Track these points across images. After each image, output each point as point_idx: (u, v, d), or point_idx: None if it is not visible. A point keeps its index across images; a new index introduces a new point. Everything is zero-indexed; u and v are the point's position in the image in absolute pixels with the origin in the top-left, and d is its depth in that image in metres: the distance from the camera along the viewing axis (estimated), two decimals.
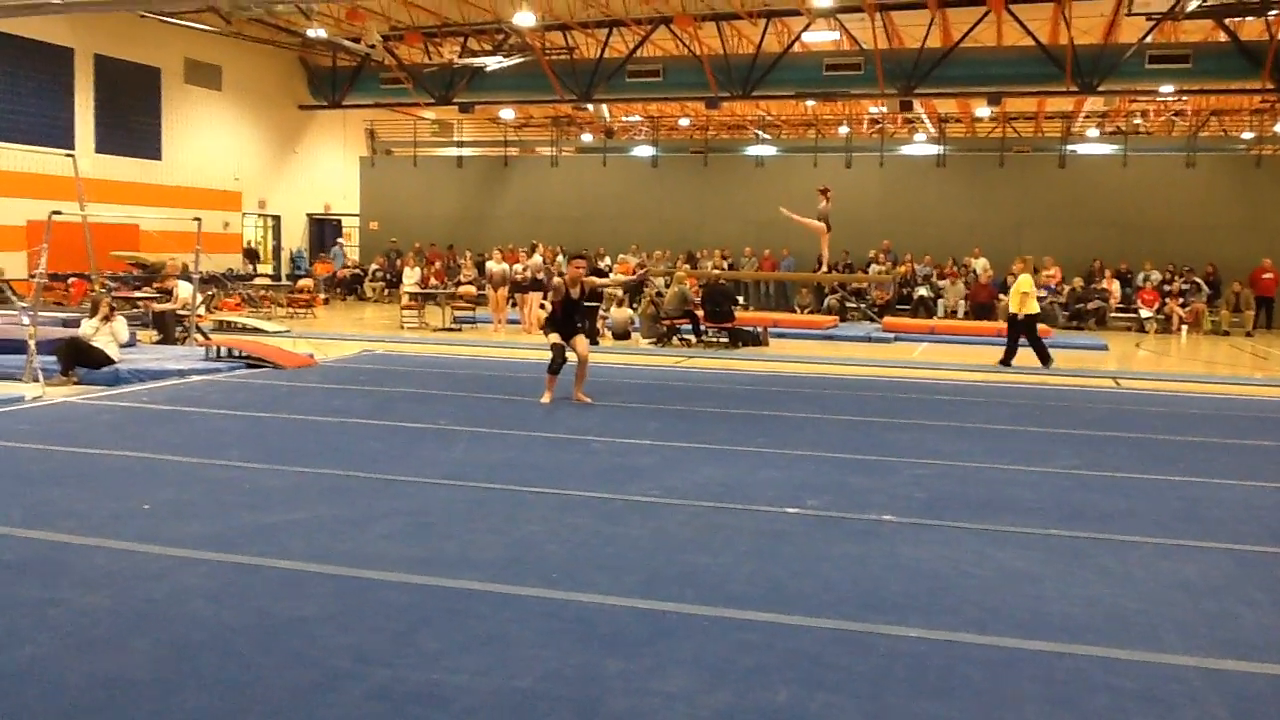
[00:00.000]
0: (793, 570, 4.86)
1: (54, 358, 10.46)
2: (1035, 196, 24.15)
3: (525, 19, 21.51)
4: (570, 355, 9.94)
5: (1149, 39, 21.28)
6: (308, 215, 30.66)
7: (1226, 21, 20.48)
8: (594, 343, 15.70)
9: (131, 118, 24.15)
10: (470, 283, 20.72)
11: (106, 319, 10.88)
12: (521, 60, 24.63)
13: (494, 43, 25.18)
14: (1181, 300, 21.52)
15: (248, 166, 27.85)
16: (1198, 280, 21.85)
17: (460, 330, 18.52)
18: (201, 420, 8.58)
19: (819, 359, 14.98)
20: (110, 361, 10.66)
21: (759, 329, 17.47)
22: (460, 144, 31.56)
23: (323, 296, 24.12)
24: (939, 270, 23.47)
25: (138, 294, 17.16)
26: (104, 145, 23.28)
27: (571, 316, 10.19)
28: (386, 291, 26.10)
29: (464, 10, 23.86)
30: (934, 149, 26.55)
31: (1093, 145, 27.66)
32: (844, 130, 31.41)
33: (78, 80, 22.68)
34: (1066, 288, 22.34)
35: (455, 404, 9.79)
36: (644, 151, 28.64)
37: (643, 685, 3.53)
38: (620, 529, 5.51)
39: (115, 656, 3.67)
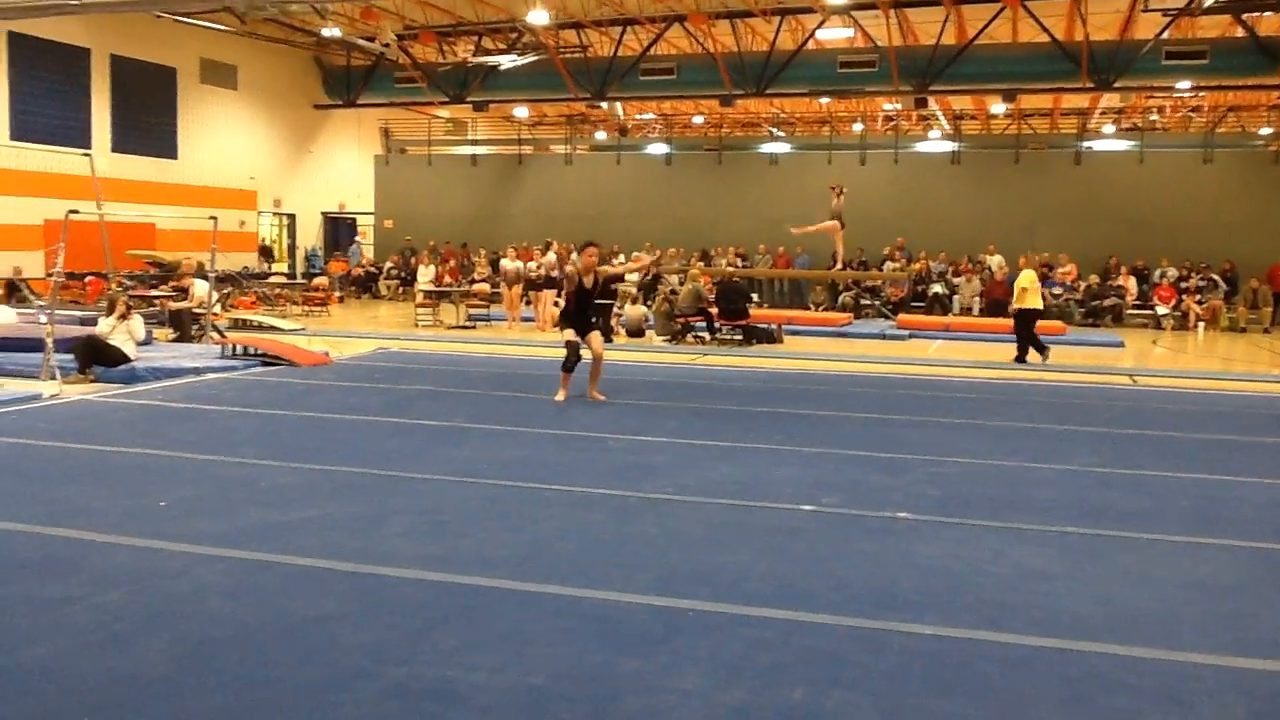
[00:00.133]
0: (808, 568, 4.85)
1: (71, 356, 10.52)
2: (1051, 193, 24.03)
3: (539, 17, 21.51)
4: (585, 353, 9.93)
5: (1165, 35, 21.15)
6: (323, 214, 30.76)
7: (1244, 17, 20.35)
8: (608, 340, 15.71)
9: (147, 117, 24.28)
10: (484, 280, 20.75)
11: (123, 317, 10.93)
12: (535, 59, 24.65)
13: (508, 41, 25.21)
14: (1198, 297, 21.39)
15: (263, 165, 27.95)
16: (1214, 277, 21.70)
17: (475, 328, 18.55)
18: (217, 418, 8.61)
19: (833, 356, 14.95)
20: (127, 360, 10.71)
21: (773, 326, 17.44)
22: (474, 142, 31.61)
23: (338, 295, 24.19)
24: (954, 267, 23.38)
25: (154, 292, 17.23)
26: (120, 145, 23.41)
27: (586, 309, 10.07)
28: (401, 289, 26.16)
29: (478, 9, 23.89)
30: (949, 146, 26.44)
31: (1108, 142, 27.51)
32: (858, 127, 31.36)
33: (94, 80, 22.81)
34: (1082, 285, 22.23)
35: (470, 402, 9.80)
36: (658, 149, 28.62)
37: (658, 683, 3.53)
38: (635, 527, 5.51)
39: (133, 654, 3.69)
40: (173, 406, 9.11)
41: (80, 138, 21.92)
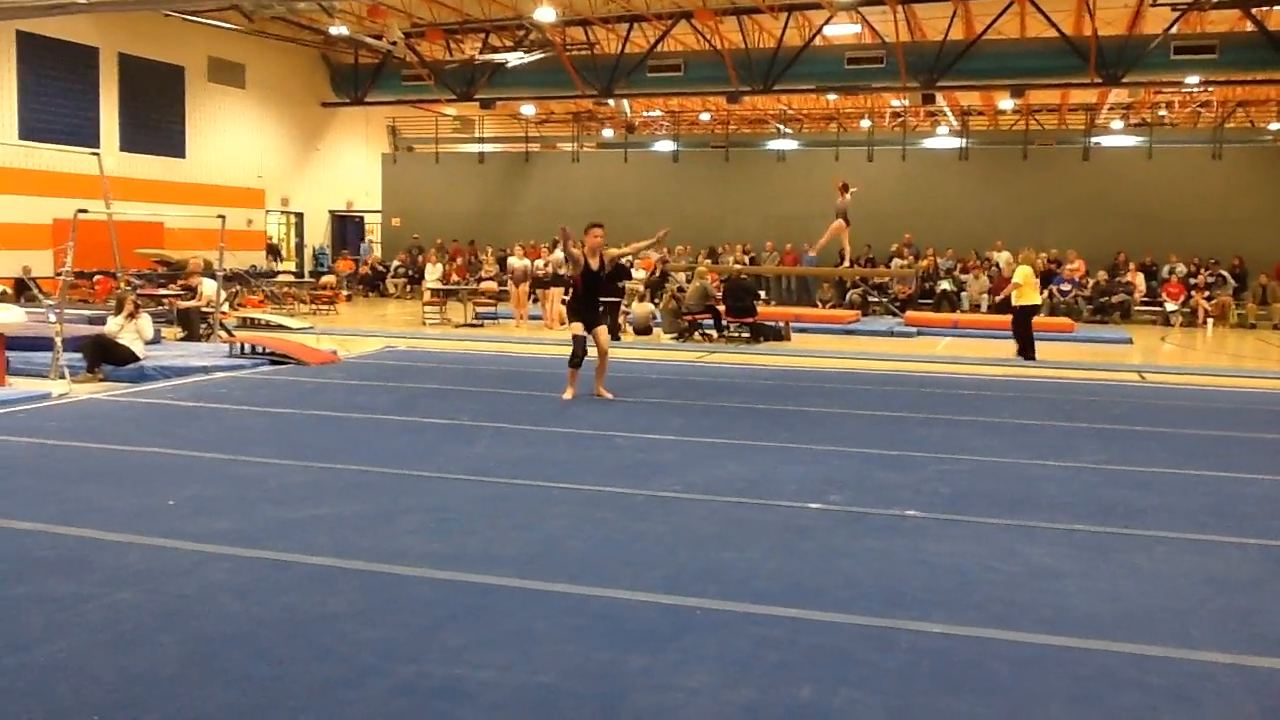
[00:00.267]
0: (816, 566, 4.85)
1: (80, 355, 10.56)
2: (1059, 189, 23.97)
3: (546, 14, 21.51)
4: (591, 350, 9.86)
5: (1174, 29, 21.08)
6: (330, 212, 30.80)
7: (1253, 11, 20.27)
8: (615, 338, 15.71)
9: (156, 116, 24.32)
10: (492, 278, 20.78)
11: (131, 316, 10.96)
12: (542, 56, 24.65)
13: (515, 39, 25.21)
14: (1207, 293, 21.32)
15: (271, 164, 27.99)
16: (1223, 273, 21.64)
17: (482, 326, 18.57)
18: (226, 416, 8.63)
19: (841, 354, 14.93)
20: (135, 358, 10.75)
21: (781, 324, 17.43)
22: (481, 140, 31.63)
23: (345, 293, 24.23)
24: (962, 264, 23.33)
25: (162, 291, 17.29)
26: (129, 144, 23.46)
27: (595, 296, 9.89)
28: (409, 288, 26.19)
29: (485, 6, 23.90)
30: (956, 142, 26.40)
31: (1117, 137, 27.47)
32: (866, 124, 31.27)
33: (103, 79, 22.86)
34: (1090, 281, 22.18)
35: (477, 400, 9.81)
36: (665, 146, 28.64)
37: (666, 681, 3.53)
38: (643, 525, 5.51)
39: (145, 652, 3.70)
40: (181, 405, 9.13)
41: (89, 137, 21.96)
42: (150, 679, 3.48)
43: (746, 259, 23.78)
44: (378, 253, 29.22)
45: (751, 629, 4.02)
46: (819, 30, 23.31)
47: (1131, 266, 22.36)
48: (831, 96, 29.92)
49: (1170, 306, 21.31)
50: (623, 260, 14.06)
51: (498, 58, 24.81)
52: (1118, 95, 29.66)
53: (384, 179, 29.76)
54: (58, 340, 10.24)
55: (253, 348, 12.40)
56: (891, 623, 4.11)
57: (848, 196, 16.21)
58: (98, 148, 20.48)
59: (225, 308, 15.42)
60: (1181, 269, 22.09)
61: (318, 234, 30.48)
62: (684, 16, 23.45)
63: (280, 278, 24.34)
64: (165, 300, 16.31)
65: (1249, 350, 17.01)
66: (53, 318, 10.87)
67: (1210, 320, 20.97)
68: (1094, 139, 25.80)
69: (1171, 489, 6.66)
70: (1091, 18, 20.99)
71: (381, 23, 22.92)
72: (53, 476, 6.34)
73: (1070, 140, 26.37)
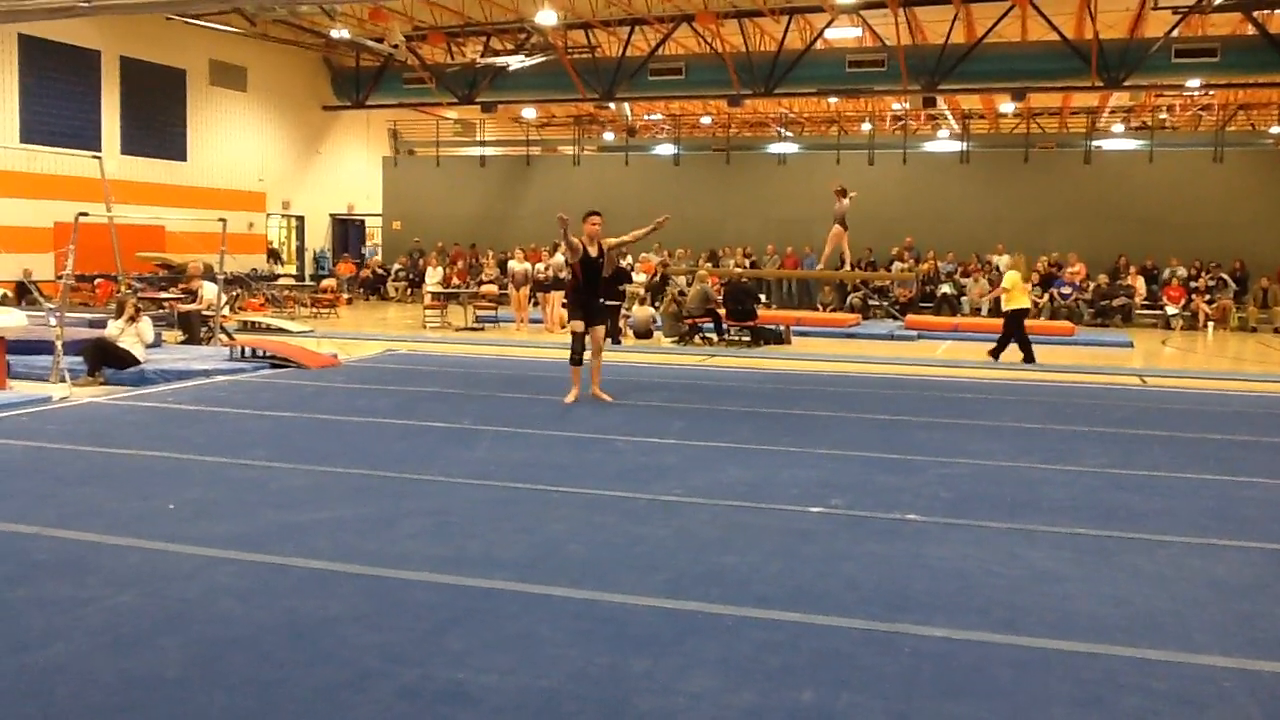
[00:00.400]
0: (818, 570, 4.85)
1: (80, 358, 10.56)
2: (1060, 193, 23.97)
3: (547, 18, 21.54)
4: (585, 355, 9.76)
5: (1175, 33, 21.09)
6: (331, 215, 30.83)
7: (1255, 14, 20.29)
8: (616, 341, 15.71)
9: (157, 119, 24.36)
10: (492, 282, 20.78)
11: (132, 320, 10.96)
12: (543, 59, 24.69)
13: (516, 42, 25.25)
14: (1208, 296, 21.32)
15: (272, 167, 28.02)
16: (1224, 276, 21.63)
17: (483, 329, 18.57)
18: (227, 420, 8.63)
19: (842, 357, 14.93)
20: (136, 362, 10.75)
21: (781, 327, 17.42)
22: (483, 143, 31.67)
23: (346, 296, 24.24)
24: (963, 267, 23.33)
25: (163, 295, 17.28)
26: (130, 147, 23.49)
27: (594, 285, 9.75)
28: (409, 291, 26.20)
29: (486, 10, 23.93)
30: (958, 145, 26.42)
31: (1118, 141, 27.47)
32: (867, 127, 31.31)
33: (104, 82, 22.90)
34: (1091, 284, 22.17)
35: (478, 403, 9.81)
36: (666, 150, 28.63)
37: (668, 685, 3.53)
38: (645, 528, 5.51)
39: (146, 655, 3.69)
40: (182, 409, 9.13)
41: (90, 140, 22.00)
42: (151, 682, 3.47)
43: (747, 262, 23.78)
44: (379, 256, 29.25)
45: (753, 633, 4.01)
46: (820, 33, 23.34)
47: (1132, 270, 22.36)
48: (832, 100, 30.01)
49: (1171, 310, 21.31)
50: (622, 263, 14.06)
51: (499, 61, 24.84)
52: (1119, 98, 29.69)
53: (385, 182, 29.78)
54: (58, 344, 10.24)
55: (253, 351, 12.40)
56: (893, 626, 4.10)
57: (846, 201, 16.21)
58: (99, 151, 20.52)
59: (226, 311, 15.41)
60: (1182, 272, 22.09)
61: (318, 237, 30.50)
62: (685, 20, 23.48)
63: (281, 281, 24.39)
64: (166, 303, 16.31)
65: (1250, 354, 17.01)
66: (53, 321, 10.88)
67: (1211, 324, 20.97)
68: (1095, 142, 25.80)
69: (1173, 492, 6.65)
70: (1093, 21, 21.01)
71: (383, 26, 22.97)
72: (53, 480, 6.34)
73: (1071, 143, 26.37)
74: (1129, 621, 4.24)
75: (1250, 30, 20.94)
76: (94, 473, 6.58)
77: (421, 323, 19.19)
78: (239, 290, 20.14)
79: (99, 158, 17.94)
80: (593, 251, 9.70)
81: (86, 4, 13.72)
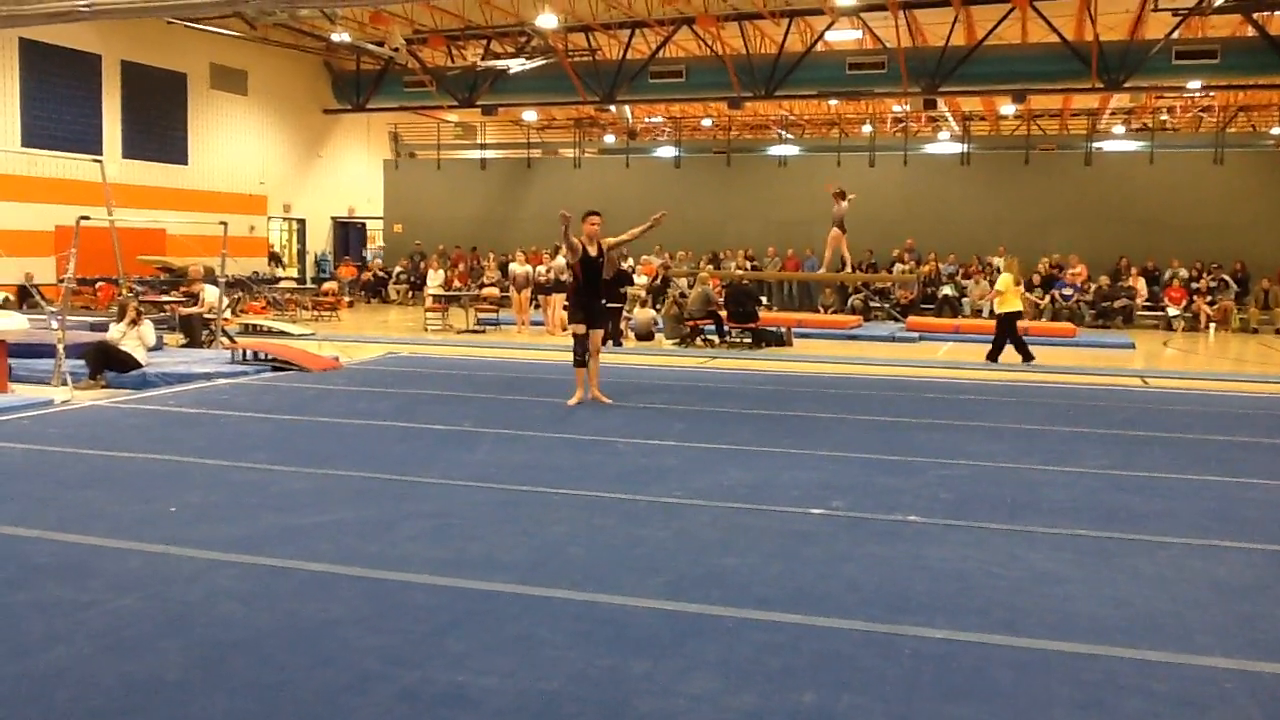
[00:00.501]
0: (818, 571, 4.85)
1: (82, 362, 10.57)
2: (1061, 194, 23.96)
3: (548, 21, 21.56)
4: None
5: (1175, 34, 21.10)
6: (332, 218, 30.85)
7: (1255, 16, 20.29)
8: (617, 344, 15.72)
9: (158, 123, 24.39)
10: (493, 284, 20.79)
11: (134, 323, 10.97)
12: (544, 62, 24.70)
13: (516, 45, 25.26)
14: (1209, 298, 21.31)
15: (273, 170, 28.05)
16: (1226, 278, 21.62)
17: (484, 332, 18.57)
18: (228, 423, 8.64)
19: (843, 359, 14.93)
20: (137, 365, 10.75)
21: (783, 329, 17.42)
22: (483, 146, 31.68)
23: (347, 299, 24.25)
24: (963, 269, 23.33)
25: (164, 298, 17.30)
26: (131, 150, 23.51)
27: (594, 285, 9.73)
28: (410, 294, 26.21)
29: (487, 13, 23.95)
30: (958, 147, 26.40)
31: (1119, 142, 27.46)
32: (867, 129, 31.30)
33: (105, 86, 22.93)
34: (1093, 286, 22.16)
35: (479, 406, 9.81)
36: (667, 152, 28.64)
37: (669, 687, 3.53)
38: (646, 530, 5.51)
39: (147, 658, 3.70)
40: (183, 412, 9.14)
41: (91, 143, 22.01)
42: (152, 685, 3.47)
43: (748, 264, 23.77)
44: (379, 258, 29.26)
45: (754, 634, 4.01)
46: (820, 36, 23.35)
47: (1133, 271, 22.34)
48: (833, 102, 29.99)
49: (1172, 311, 21.30)
50: (624, 266, 14.05)
51: (500, 64, 24.86)
52: (1119, 100, 29.68)
53: (386, 185, 29.79)
54: (60, 347, 10.24)
55: (254, 354, 12.41)
56: (894, 628, 4.10)
57: (844, 204, 16.19)
58: (100, 155, 20.55)
59: (227, 314, 15.42)
60: (1183, 273, 22.08)
61: (319, 240, 30.52)
62: (685, 22, 23.49)
63: (282, 284, 24.39)
64: (167, 307, 16.32)
65: (1251, 355, 17.00)
66: (55, 324, 10.89)
67: (1212, 325, 20.96)
68: (1096, 144, 25.79)
69: (1174, 494, 6.65)
70: (1093, 23, 21.02)
71: (384, 29, 22.98)
72: (54, 483, 6.34)
73: (1072, 145, 26.35)
74: (1130, 623, 4.24)
75: (1250, 32, 20.95)
76: (95, 476, 6.59)
77: (423, 325, 19.19)
78: (240, 293, 20.14)
79: (100, 161, 17.97)
80: (592, 251, 9.70)
81: (87, 8, 13.74)
